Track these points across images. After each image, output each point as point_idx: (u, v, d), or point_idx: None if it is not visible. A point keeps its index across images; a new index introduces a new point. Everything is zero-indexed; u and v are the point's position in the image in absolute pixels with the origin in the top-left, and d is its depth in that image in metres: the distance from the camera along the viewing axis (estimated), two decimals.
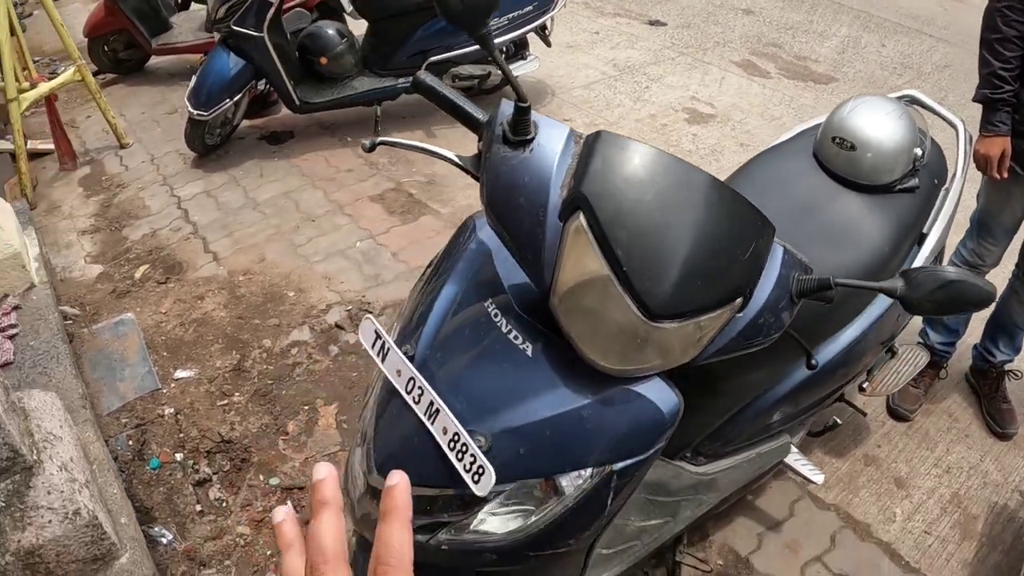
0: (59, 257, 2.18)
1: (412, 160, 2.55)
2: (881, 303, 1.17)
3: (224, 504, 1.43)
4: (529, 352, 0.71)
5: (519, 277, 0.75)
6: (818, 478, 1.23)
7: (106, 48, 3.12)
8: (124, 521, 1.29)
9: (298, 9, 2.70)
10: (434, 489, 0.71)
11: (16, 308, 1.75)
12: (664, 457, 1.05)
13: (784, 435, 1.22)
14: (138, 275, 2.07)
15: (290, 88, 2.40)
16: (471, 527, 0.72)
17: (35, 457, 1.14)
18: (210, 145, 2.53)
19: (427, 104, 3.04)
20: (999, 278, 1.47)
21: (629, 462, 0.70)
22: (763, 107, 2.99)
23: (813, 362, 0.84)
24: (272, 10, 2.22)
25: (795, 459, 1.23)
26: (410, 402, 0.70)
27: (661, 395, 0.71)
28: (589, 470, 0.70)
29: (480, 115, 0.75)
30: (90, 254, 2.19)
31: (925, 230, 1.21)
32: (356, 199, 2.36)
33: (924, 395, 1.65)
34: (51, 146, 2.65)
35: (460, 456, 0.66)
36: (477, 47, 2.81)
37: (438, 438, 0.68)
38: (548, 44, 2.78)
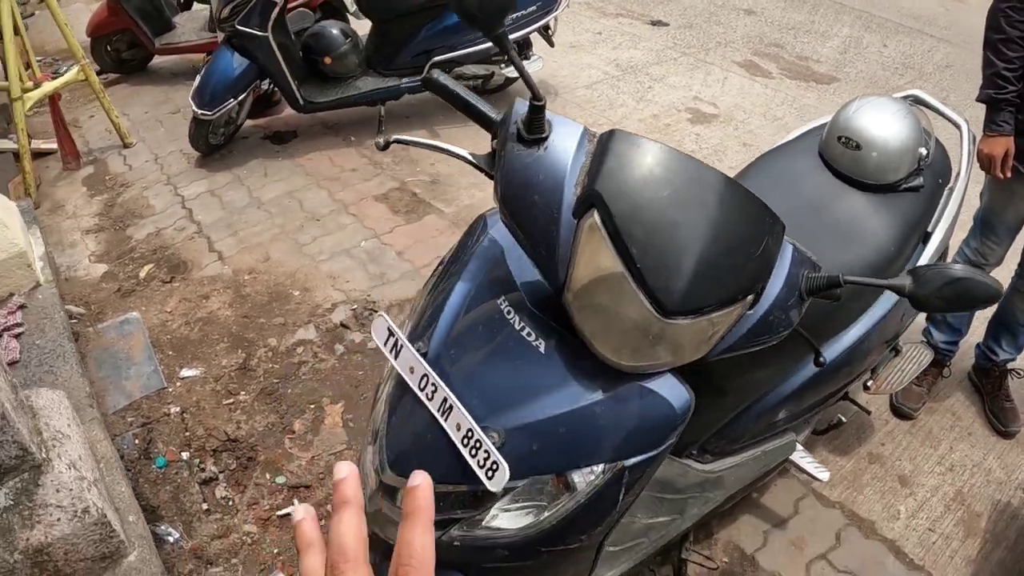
0: (63, 256, 2.18)
1: (416, 160, 2.55)
2: (885, 302, 1.17)
3: (230, 503, 1.44)
4: (542, 349, 0.71)
5: (531, 274, 0.76)
6: (823, 475, 1.24)
7: (109, 48, 3.13)
8: (132, 519, 1.29)
9: (301, 9, 2.71)
10: (446, 485, 0.72)
11: (22, 307, 1.76)
12: (671, 455, 1.06)
13: (789, 433, 1.22)
14: (143, 274, 2.07)
15: (294, 88, 2.41)
16: (483, 523, 0.73)
17: (44, 455, 1.14)
18: (214, 144, 2.53)
19: (430, 103, 3.03)
20: (1001, 277, 1.47)
21: (641, 458, 0.71)
22: (765, 107, 3.00)
23: (821, 359, 0.84)
24: (276, 10, 2.22)
25: (800, 457, 1.24)
26: (423, 399, 0.71)
27: (673, 391, 0.72)
28: (601, 466, 0.70)
29: (493, 114, 0.75)
30: (94, 253, 2.19)
31: (930, 229, 1.22)
32: (360, 198, 2.36)
33: (927, 394, 1.66)
34: (54, 145, 2.65)
35: (474, 452, 0.67)
36: (481, 47, 2.81)
37: (451, 434, 0.68)
38: (551, 44, 2.79)
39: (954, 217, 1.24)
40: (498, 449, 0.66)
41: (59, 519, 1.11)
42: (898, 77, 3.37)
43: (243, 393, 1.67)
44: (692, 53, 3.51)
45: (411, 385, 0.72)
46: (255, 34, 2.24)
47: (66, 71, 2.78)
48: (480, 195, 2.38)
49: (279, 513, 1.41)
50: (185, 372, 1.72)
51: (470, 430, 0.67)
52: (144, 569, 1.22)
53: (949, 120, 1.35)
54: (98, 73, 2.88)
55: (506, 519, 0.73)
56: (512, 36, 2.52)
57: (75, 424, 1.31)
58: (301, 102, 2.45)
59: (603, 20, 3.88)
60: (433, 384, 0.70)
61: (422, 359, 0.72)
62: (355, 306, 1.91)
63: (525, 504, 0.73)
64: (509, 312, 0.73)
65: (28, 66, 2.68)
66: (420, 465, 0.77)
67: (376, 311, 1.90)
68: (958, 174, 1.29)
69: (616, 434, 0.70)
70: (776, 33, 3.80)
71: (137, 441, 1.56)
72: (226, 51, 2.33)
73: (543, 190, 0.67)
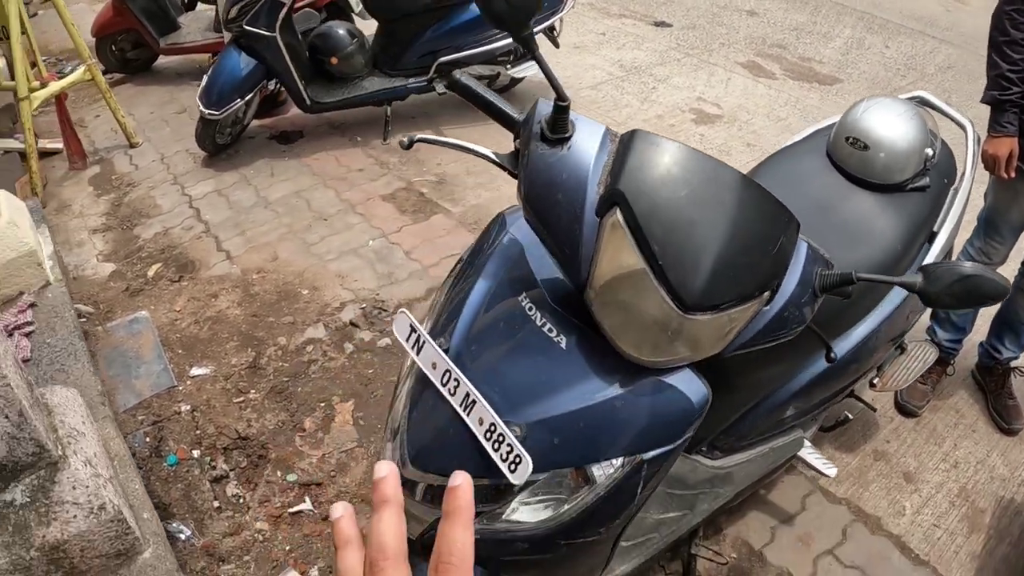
0: (71, 255, 2.19)
1: (422, 160, 2.56)
2: (892, 300, 1.19)
3: (241, 500, 1.45)
4: (563, 344, 0.73)
5: (551, 271, 0.77)
6: (831, 471, 1.25)
7: (114, 48, 3.13)
8: (146, 516, 1.30)
9: (307, 9, 2.72)
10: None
11: (32, 306, 1.76)
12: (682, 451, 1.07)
13: (797, 430, 1.24)
14: (151, 273, 2.08)
15: (301, 88, 2.42)
16: (503, 516, 0.74)
17: (60, 452, 1.15)
18: (220, 144, 2.54)
19: (435, 103, 3.04)
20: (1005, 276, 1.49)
21: (659, 451, 0.72)
22: (769, 108, 3.02)
23: (832, 355, 0.86)
24: (284, 10, 2.24)
25: (808, 453, 1.26)
26: (445, 394, 0.72)
27: (691, 386, 0.73)
28: (620, 459, 0.71)
29: (516, 114, 0.77)
30: (102, 252, 2.20)
31: (935, 228, 1.23)
32: (367, 198, 2.37)
33: (932, 391, 1.68)
34: (60, 145, 2.66)
35: (496, 446, 0.68)
36: (487, 48, 2.82)
37: (474, 429, 0.70)
38: (556, 45, 2.80)
39: (959, 217, 1.26)
40: (520, 443, 0.68)
41: (75, 516, 1.11)
42: (900, 78, 3.39)
43: (253, 391, 1.68)
44: (695, 54, 3.52)
45: (433, 380, 0.73)
46: (263, 34, 2.25)
47: (70, 71, 2.79)
48: (487, 195, 2.39)
49: (291, 510, 1.42)
50: (195, 371, 1.73)
51: (493, 424, 0.68)
52: (159, 566, 1.23)
53: (954, 121, 1.36)
54: (103, 73, 2.88)
55: (526, 512, 0.74)
56: None
57: (89, 422, 1.31)
58: (308, 102, 2.46)
59: (607, 21, 3.90)
60: (455, 379, 0.71)
61: (444, 355, 0.73)
62: (364, 305, 1.92)
63: (545, 497, 0.74)
64: (530, 308, 0.75)
65: (34, 65, 2.69)
66: (441, 459, 0.79)
67: (384, 309, 1.91)
68: (963, 174, 1.30)
69: (635, 428, 0.72)
70: (779, 34, 3.82)
71: (148, 439, 1.57)
72: (233, 51, 2.34)
73: (567, 189, 0.69)
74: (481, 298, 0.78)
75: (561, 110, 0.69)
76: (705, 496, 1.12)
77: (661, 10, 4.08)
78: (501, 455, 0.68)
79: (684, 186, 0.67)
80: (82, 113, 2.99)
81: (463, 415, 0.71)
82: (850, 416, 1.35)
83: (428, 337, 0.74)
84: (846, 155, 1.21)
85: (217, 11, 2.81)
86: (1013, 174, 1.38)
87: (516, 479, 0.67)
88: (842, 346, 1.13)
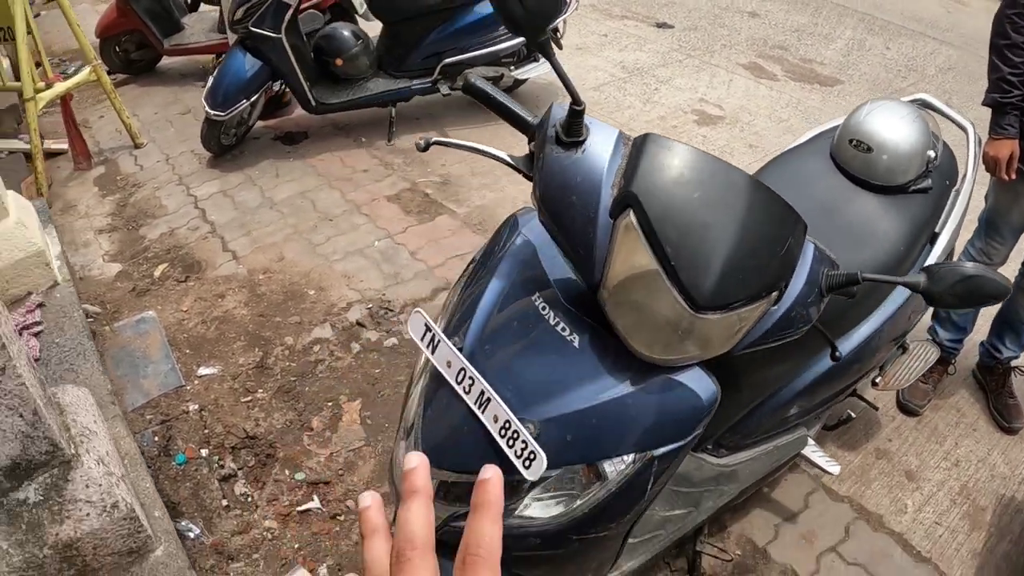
0: (77, 256, 2.20)
1: (427, 161, 2.58)
2: (895, 300, 1.21)
3: (250, 499, 1.46)
4: (576, 343, 0.74)
5: (564, 272, 0.79)
6: (834, 469, 1.27)
7: (117, 48, 3.14)
8: (157, 515, 1.31)
9: (311, 11, 2.73)
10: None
11: (40, 306, 1.78)
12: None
13: (801, 428, 1.26)
14: (157, 274, 2.09)
15: (306, 89, 2.43)
16: (516, 512, 0.76)
17: (73, 451, 1.16)
18: (226, 145, 2.55)
19: (440, 105, 3.05)
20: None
21: (669, 448, 0.74)
22: (771, 109, 3.03)
23: (837, 354, 0.88)
24: (290, 12, 2.25)
25: (812, 451, 1.27)
26: (460, 392, 0.74)
27: (700, 383, 0.75)
28: (632, 456, 0.73)
29: (530, 117, 0.78)
30: (108, 253, 2.21)
31: (937, 229, 1.25)
32: (372, 199, 2.38)
33: (933, 391, 1.70)
34: (65, 146, 2.66)
35: (511, 443, 0.70)
36: (491, 49, 2.83)
37: (489, 426, 0.71)
38: (559, 46, 2.81)
39: (961, 218, 1.27)
40: (534, 440, 0.69)
41: (88, 514, 1.12)
42: (901, 79, 3.41)
43: (261, 391, 1.69)
44: (697, 55, 3.54)
45: (448, 379, 0.75)
46: (269, 36, 2.26)
47: (74, 71, 2.80)
48: (491, 195, 2.41)
49: (299, 509, 1.43)
50: (202, 370, 1.75)
51: (507, 421, 0.70)
52: (170, 564, 1.24)
53: (956, 123, 1.38)
54: (107, 74, 2.89)
55: (538, 508, 0.76)
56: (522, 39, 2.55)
57: (100, 421, 1.33)
58: (313, 103, 2.48)
59: (609, 22, 3.91)
60: (470, 378, 0.73)
61: (459, 353, 0.74)
62: (370, 305, 1.93)
63: (557, 493, 0.76)
64: (544, 308, 0.76)
65: (39, 66, 2.70)
66: (456, 456, 0.80)
67: (391, 309, 1.93)
68: (964, 176, 1.32)
69: (646, 424, 0.73)
70: (780, 35, 3.84)
71: (157, 438, 1.58)
72: (239, 52, 2.35)
73: (581, 191, 0.70)
74: (495, 298, 0.80)
75: (576, 114, 0.70)
76: (710, 493, 1.14)
77: (663, 11, 4.10)
78: (516, 452, 0.69)
79: (696, 188, 0.69)
80: (86, 114, 3.00)
81: (478, 413, 0.72)
82: (853, 415, 1.37)
83: (443, 336, 0.76)
84: (850, 157, 1.23)
85: (221, 12, 2.83)
86: (1014, 176, 1.40)
87: (531, 475, 0.69)
88: (845, 345, 1.15)
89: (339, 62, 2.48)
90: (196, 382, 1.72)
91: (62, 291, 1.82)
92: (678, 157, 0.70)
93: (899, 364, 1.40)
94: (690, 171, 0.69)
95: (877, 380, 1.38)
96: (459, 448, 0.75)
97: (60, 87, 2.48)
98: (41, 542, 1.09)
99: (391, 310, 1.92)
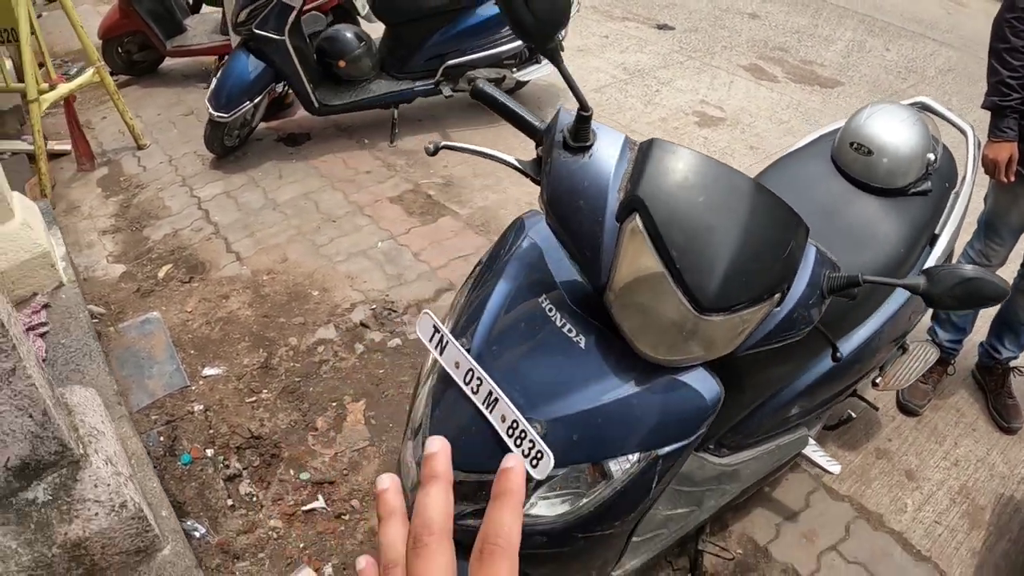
0: (80, 257, 2.21)
1: (429, 162, 2.59)
2: (895, 301, 1.22)
3: (255, 499, 1.47)
4: (582, 344, 0.75)
5: (570, 274, 0.80)
6: (835, 468, 1.28)
7: (120, 50, 3.15)
8: (164, 514, 1.33)
9: (314, 12, 2.74)
10: (489, 475, 0.76)
11: (46, 306, 1.79)
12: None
13: (802, 428, 1.27)
14: (161, 274, 2.10)
15: (309, 91, 2.44)
16: (523, 510, 0.77)
17: (81, 451, 1.17)
18: (229, 146, 2.56)
19: (442, 107, 3.06)
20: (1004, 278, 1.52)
21: (674, 447, 0.75)
22: (771, 111, 3.05)
23: (839, 355, 0.89)
24: (294, 14, 2.26)
25: (813, 451, 1.28)
26: (468, 392, 0.75)
27: (704, 384, 0.76)
28: (636, 455, 0.74)
29: (538, 122, 0.79)
30: (112, 254, 2.22)
31: (937, 231, 1.26)
32: (375, 200, 2.40)
33: (933, 391, 1.71)
34: (68, 147, 2.67)
35: (518, 442, 0.71)
36: (493, 51, 2.84)
37: (496, 426, 0.72)
38: (561, 48, 2.83)
39: (960, 220, 1.29)
40: (541, 439, 0.70)
41: (97, 514, 1.13)
42: (901, 81, 3.43)
43: (265, 391, 1.70)
44: (698, 57, 3.55)
45: (456, 379, 0.76)
46: (272, 38, 2.28)
47: (77, 72, 2.81)
48: (494, 197, 2.42)
49: (304, 508, 1.44)
50: (207, 371, 1.76)
51: (515, 421, 0.71)
52: (178, 563, 1.25)
53: (955, 126, 1.40)
54: (110, 75, 2.90)
55: (544, 507, 0.77)
56: (524, 41, 2.56)
57: (108, 421, 1.34)
58: (316, 105, 2.49)
59: (609, 24, 3.93)
60: (478, 378, 0.74)
61: (467, 354, 0.76)
62: (374, 306, 1.94)
63: (562, 492, 0.77)
64: (551, 310, 0.77)
65: (42, 67, 2.71)
66: (463, 456, 0.81)
67: (394, 310, 1.94)
68: (964, 178, 1.33)
69: (651, 424, 0.74)
70: (780, 37, 3.85)
71: (162, 438, 1.59)
72: (242, 54, 2.37)
73: (588, 196, 0.71)
74: (502, 300, 0.81)
75: (584, 120, 0.72)
76: (712, 493, 1.15)
77: (663, 13, 4.11)
78: (523, 451, 0.70)
79: (700, 192, 0.70)
80: (89, 115, 3.01)
81: (486, 412, 0.73)
82: (853, 415, 1.38)
83: (451, 337, 0.77)
84: (850, 160, 1.24)
85: (223, 14, 2.84)
86: (1013, 178, 1.41)
87: (538, 474, 0.70)
88: (846, 346, 1.16)
89: (342, 64, 2.49)
90: (201, 382, 1.73)
91: (67, 292, 1.83)
92: (683, 162, 0.71)
93: (899, 364, 1.41)
94: (695, 175, 0.71)
95: (877, 380, 1.39)
96: (467, 447, 0.76)
97: (64, 88, 2.49)
98: (50, 541, 1.10)
99: (394, 311, 1.93)
